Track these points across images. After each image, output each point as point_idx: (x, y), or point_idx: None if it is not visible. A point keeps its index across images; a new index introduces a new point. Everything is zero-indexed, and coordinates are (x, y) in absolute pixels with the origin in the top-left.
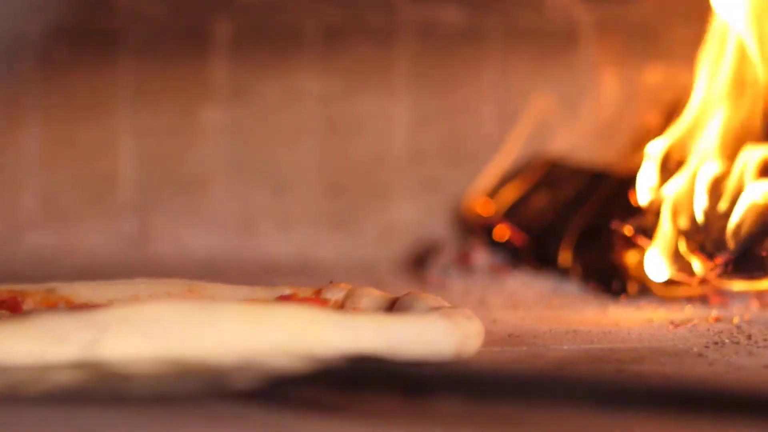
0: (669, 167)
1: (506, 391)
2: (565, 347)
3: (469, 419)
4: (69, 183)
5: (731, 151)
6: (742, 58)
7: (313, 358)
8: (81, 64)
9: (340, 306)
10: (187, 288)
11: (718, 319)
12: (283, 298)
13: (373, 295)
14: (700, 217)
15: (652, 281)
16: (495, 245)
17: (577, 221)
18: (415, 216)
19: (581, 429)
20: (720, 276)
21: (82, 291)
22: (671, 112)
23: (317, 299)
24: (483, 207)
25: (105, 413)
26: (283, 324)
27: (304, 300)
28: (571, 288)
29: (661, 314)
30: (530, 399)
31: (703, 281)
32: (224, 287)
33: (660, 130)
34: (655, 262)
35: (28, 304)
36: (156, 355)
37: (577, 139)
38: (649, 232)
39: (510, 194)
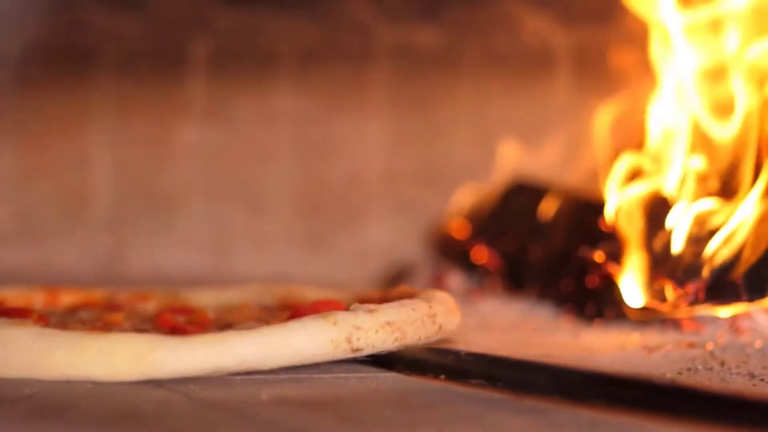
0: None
1: None
2: None
3: None
4: (43, 200)
5: (704, 177)
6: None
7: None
8: (57, 82)
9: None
10: (285, 290)
11: (691, 345)
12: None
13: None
14: (672, 244)
15: (625, 306)
16: (469, 268)
17: (551, 245)
18: (389, 237)
19: None
20: (692, 303)
21: (202, 296)
22: (645, 137)
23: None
24: (457, 229)
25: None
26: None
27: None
28: (545, 312)
29: (635, 340)
30: None
31: (675, 308)
32: (312, 288)
33: (635, 154)
34: (630, 289)
35: (152, 305)
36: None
37: (552, 163)
38: (620, 258)
39: (484, 217)
